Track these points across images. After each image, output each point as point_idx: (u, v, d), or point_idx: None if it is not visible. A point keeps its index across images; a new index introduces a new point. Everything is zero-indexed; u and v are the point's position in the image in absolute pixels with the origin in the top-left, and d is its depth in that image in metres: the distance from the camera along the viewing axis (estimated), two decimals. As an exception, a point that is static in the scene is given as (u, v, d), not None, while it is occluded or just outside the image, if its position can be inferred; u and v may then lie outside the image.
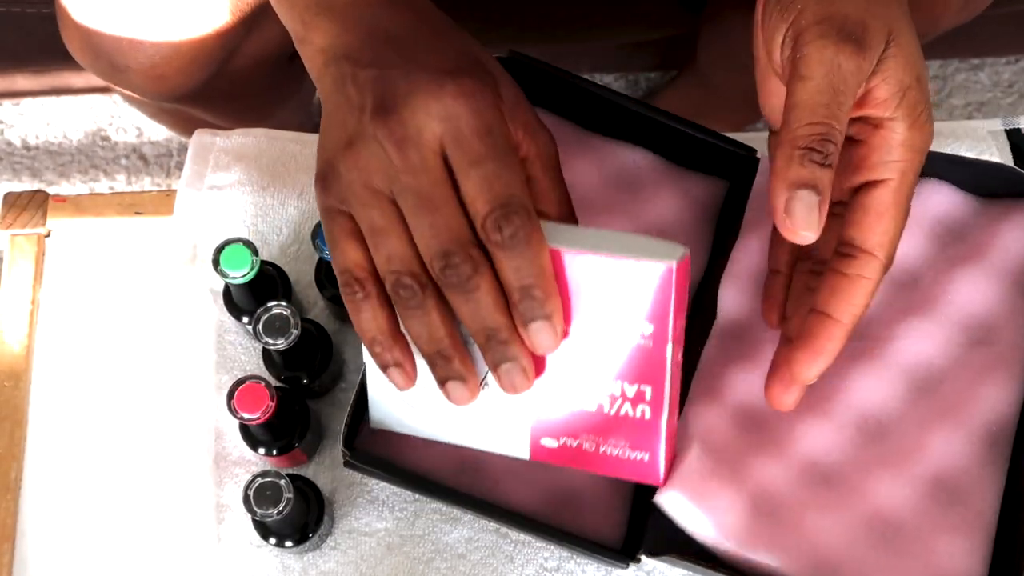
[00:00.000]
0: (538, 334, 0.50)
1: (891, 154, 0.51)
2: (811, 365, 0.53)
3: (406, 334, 0.53)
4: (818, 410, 0.64)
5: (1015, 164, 0.71)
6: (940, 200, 0.67)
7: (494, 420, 0.55)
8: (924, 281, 0.66)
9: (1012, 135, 0.64)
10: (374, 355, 0.53)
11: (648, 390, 0.52)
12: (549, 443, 0.55)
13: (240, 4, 0.75)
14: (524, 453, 0.55)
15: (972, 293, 0.65)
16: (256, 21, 0.78)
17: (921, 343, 0.64)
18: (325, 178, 0.52)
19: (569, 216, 0.55)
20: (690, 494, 0.60)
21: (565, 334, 0.51)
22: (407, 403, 0.56)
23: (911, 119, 0.51)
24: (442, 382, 0.52)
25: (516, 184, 0.49)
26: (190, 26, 0.75)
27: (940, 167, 0.67)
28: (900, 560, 0.60)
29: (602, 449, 0.54)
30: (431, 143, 0.50)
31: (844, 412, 0.64)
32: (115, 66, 0.79)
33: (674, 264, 0.49)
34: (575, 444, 0.54)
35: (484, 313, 0.50)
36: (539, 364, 0.53)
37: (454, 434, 0.57)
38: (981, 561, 0.60)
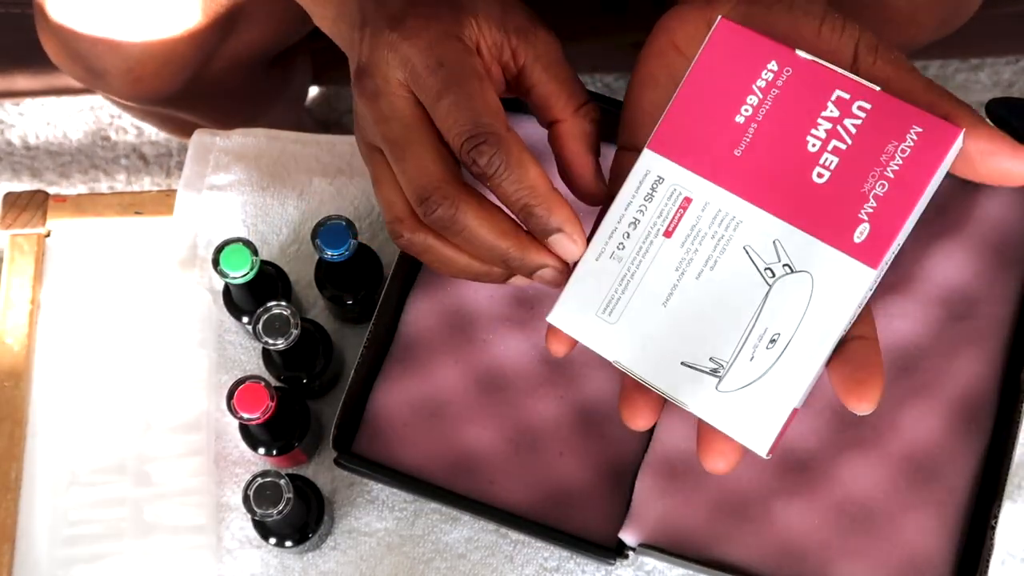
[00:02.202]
0: (558, 246, 0.49)
1: None
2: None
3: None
4: None
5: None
6: None
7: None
8: (904, 260, 0.66)
9: (990, 106, 0.64)
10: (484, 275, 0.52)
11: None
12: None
13: (213, 6, 0.75)
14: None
15: (952, 267, 0.65)
16: (232, 24, 0.78)
17: (901, 323, 0.64)
18: None
19: (584, 107, 0.52)
20: (650, 530, 0.62)
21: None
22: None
23: None
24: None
25: (478, 110, 0.48)
26: (163, 28, 0.75)
27: None
28: (868, 541, 0.61)
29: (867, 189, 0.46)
30: (397, 90, 0.49)
31: (822, 398, 0.64)
32: (92, 70, 0.79)
33: None
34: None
35: (484, 248, 0.49)
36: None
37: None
38: (949, 537, 0.61)
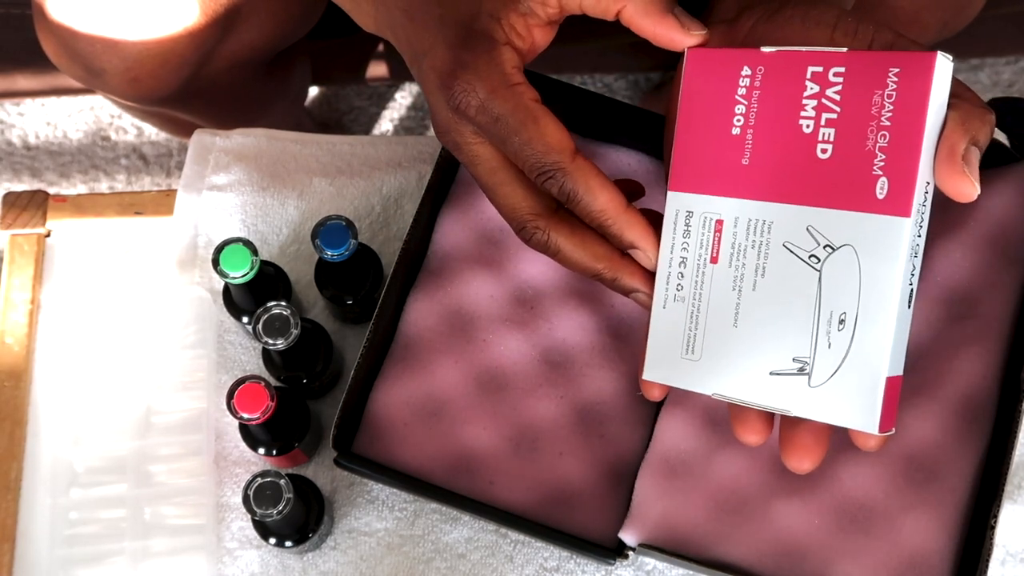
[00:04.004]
0: (636, 258, 0.52)
1: None
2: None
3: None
4: None
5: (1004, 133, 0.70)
6: None
7: None
8: None
9: (990, 105, 0.64)
10: (605, 280, 0.53)
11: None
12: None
13: (212, 5, 0.75)
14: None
15: (952, 266, 0.65)
16: (231, 24, 0.78)
17: None
18: None
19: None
20: (649, 530, 0.63)
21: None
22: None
23: None
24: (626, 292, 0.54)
25: (538, 153, 0.50)
26: (162, 28, 0.75)
27: None
28: (868, 541, 0.61)
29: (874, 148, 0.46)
30: (472, 139, 0.52)
31: None
32: (91, 69, 0.79)
33: None
34: None
35: (579, 265, 0.53)
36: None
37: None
38: (949, 537, 0.61)
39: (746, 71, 0.48)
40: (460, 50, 0.51)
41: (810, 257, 0.47)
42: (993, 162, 0.66)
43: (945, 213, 0.66)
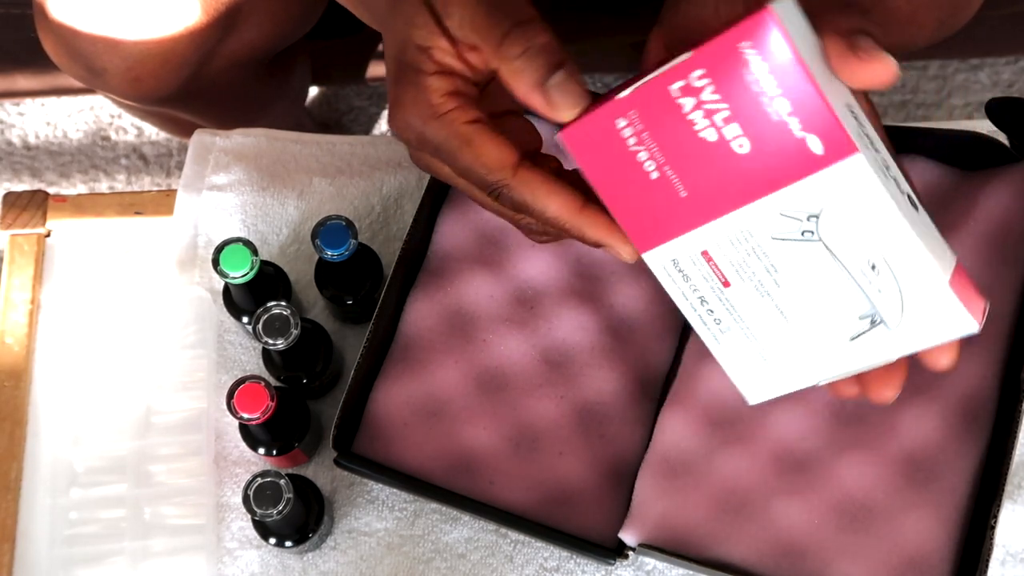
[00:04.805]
0: (611, 254, 0.51)
1: None
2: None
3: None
4: (795, 396, 0.64)
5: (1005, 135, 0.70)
6: (919, 175, 0.67)
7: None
8: None
9: (990, 105, 0.64)
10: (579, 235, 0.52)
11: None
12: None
13: (213, 4, 0.75)
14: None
15: None
16: (232, 23, 0.78)
17: None
18: None
19: (504, 44, 0.50)
20: (649, 530, 0.62)
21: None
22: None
23: None
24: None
25: (479, 175, 0.50)
26: (163, 27, 0.75)
27: (918, 141, 0.67)
28: (867, 540, 0.61)
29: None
30: (429, 160, 0.53)
31: (821, 397, 0.64)
32: (91, 69, 0.79)
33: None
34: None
35: (553, 232, 0.53)
36: None
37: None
38: (949, 537, 0.61)
39: (620, 122, 0.48)
40: (393, 86, 0.52)
41: (803, 234, 0.47)
42: (993, 162, 0.66)
43: (945, 213, 0.66)
